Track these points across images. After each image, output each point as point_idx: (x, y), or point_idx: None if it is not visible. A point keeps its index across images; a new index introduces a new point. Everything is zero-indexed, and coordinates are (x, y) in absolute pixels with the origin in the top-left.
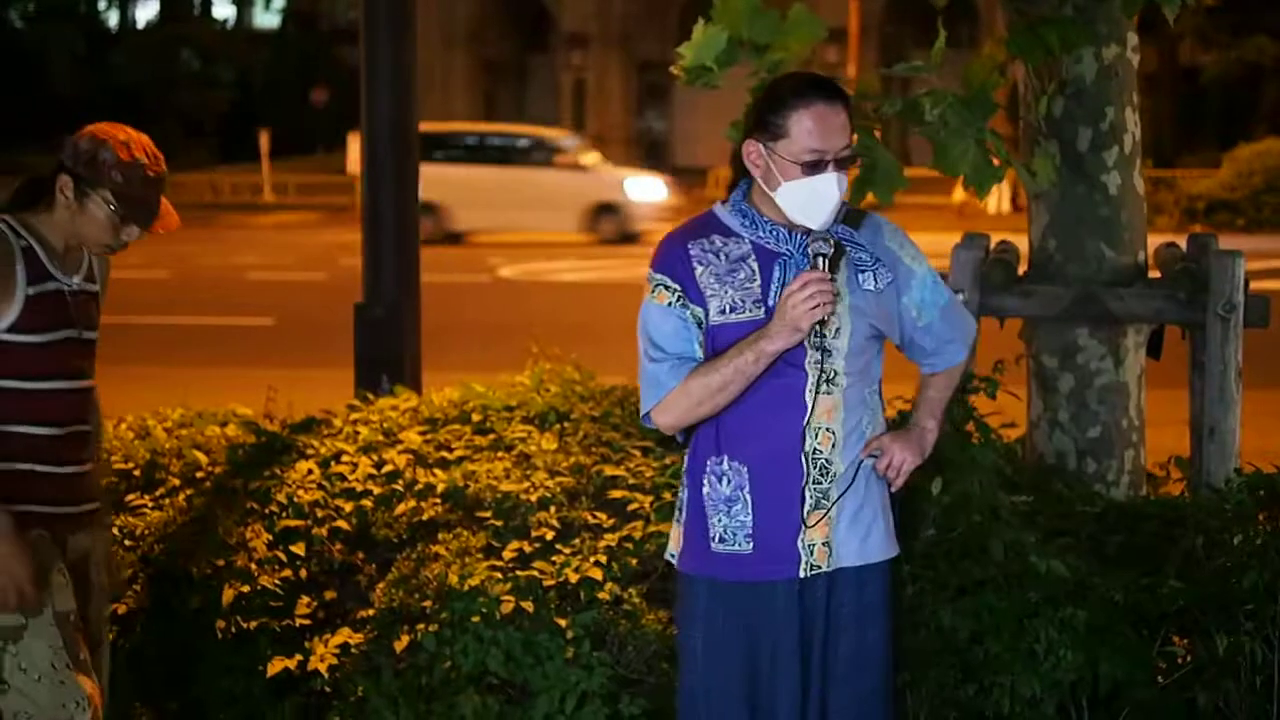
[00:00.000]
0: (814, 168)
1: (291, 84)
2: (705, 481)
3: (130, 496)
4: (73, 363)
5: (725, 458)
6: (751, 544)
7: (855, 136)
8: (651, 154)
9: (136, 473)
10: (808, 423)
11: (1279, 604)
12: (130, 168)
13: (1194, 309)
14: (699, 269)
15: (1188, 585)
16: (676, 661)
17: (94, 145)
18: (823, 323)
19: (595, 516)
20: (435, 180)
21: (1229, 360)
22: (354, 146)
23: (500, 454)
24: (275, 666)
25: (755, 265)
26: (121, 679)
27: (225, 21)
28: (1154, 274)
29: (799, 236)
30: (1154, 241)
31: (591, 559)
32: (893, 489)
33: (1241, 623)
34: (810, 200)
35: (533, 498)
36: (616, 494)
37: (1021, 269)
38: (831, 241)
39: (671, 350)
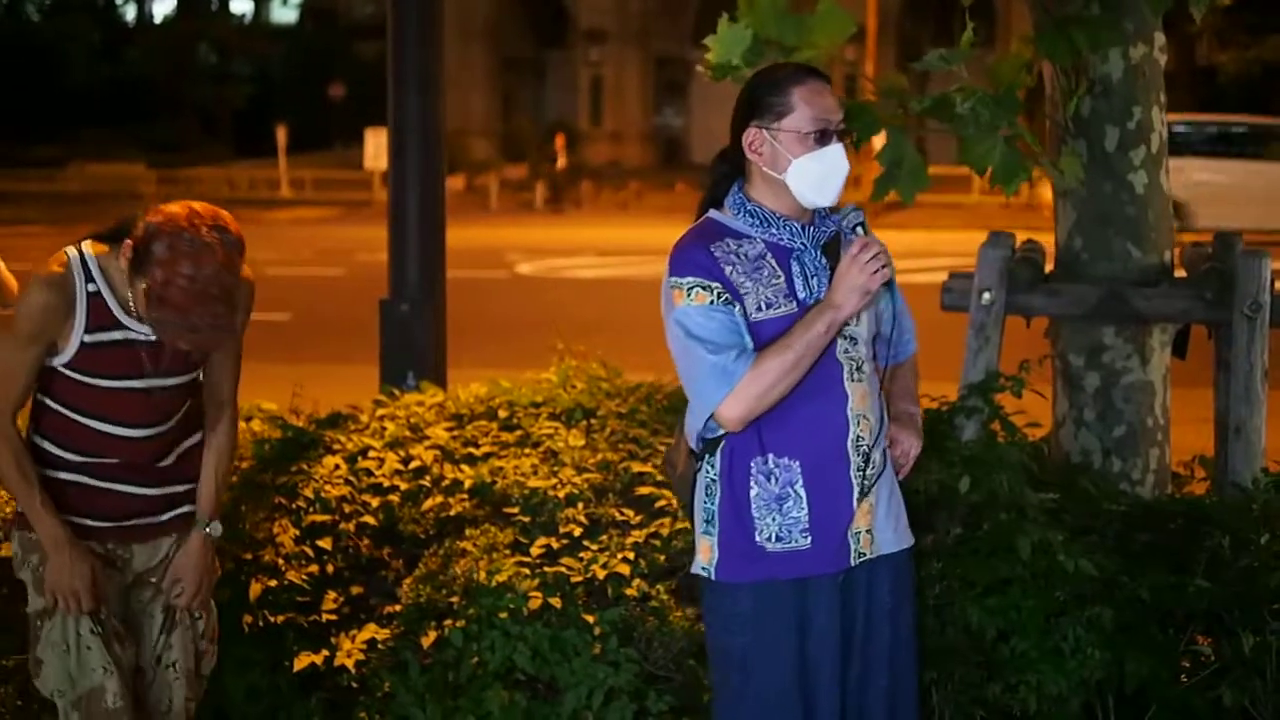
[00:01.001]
0: (823, 138)
1: (308, 79)
2: (752, 483)
3: None
4: (135, 410)
5: (771, 456)
6: (809, 539)
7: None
8: (669, 151)
9: None
10: (850, 411)
11: None
12: (172, 274)
13: (1220, 309)
14: (727, 269)
15: (1214, 584)
16: (708, 665)
17: (154, 232)
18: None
19: (623, 513)
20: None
21: (1255, 360)
22: (371, 142)
23: (527, 450)
24: (302, 662)
25: (774, 263)
26: None
27: (243, 17)
28: (1179, 273)
29: (810, 230)
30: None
31: (619, 555)
32: (900, 476)
33: (1268, 622)
34: (824, 173)
35: (560, 494)
36: (644, 490)
37: (1048, 267)
38: (862, 213)
39: (727, 343)
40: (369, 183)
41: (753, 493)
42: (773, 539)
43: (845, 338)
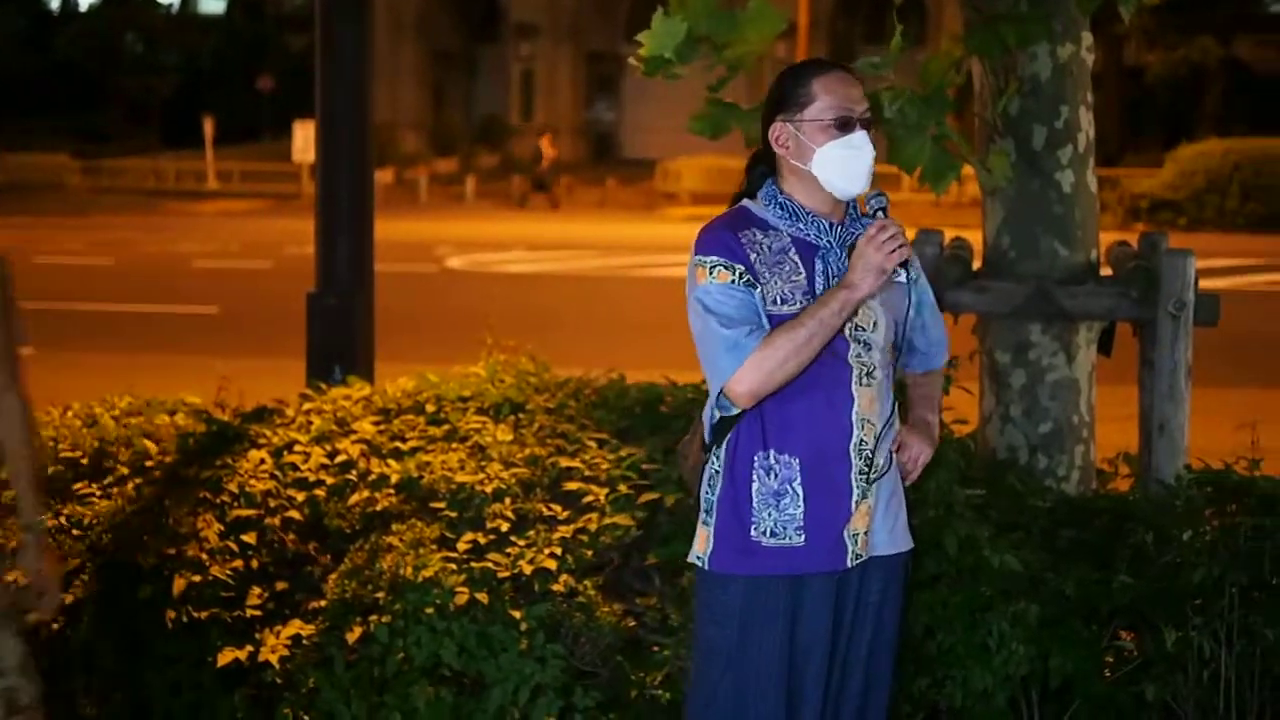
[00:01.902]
0: (845, 126)
1: (237, 70)
2: (753, 477)
3: (78, 485)
4: None
5: (772, 452)
6: (803, 536)
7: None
8: (600, 146)
9: (84, 461)
10: (855, 414)
11: (1227, 599)
12: None
13: (1145, 307)
14: (752, 255)
15: (1138, 580)
16: (632, 654)
17: None
18: (857, 316)
19: (550, 508)
20: None
21: (1179, 358)
22: (300, 134)
23: (455, 445)
24: (225, 657)
25: (797, 258)
26: (69, 669)
27: (170, 6)
28: (1106, 271)
29: (839, 230)
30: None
31: (546, 551)
32: (907, 481)
33: (1190, 617)
34: (847, 162)
35: (487, 489)
36: (572, 486)
37: (975, 265)
38: (886, 198)
39: (742, 319)
40: (297, 175)
41: (753, 487)
42: (768, 534)
43: (859, 343)
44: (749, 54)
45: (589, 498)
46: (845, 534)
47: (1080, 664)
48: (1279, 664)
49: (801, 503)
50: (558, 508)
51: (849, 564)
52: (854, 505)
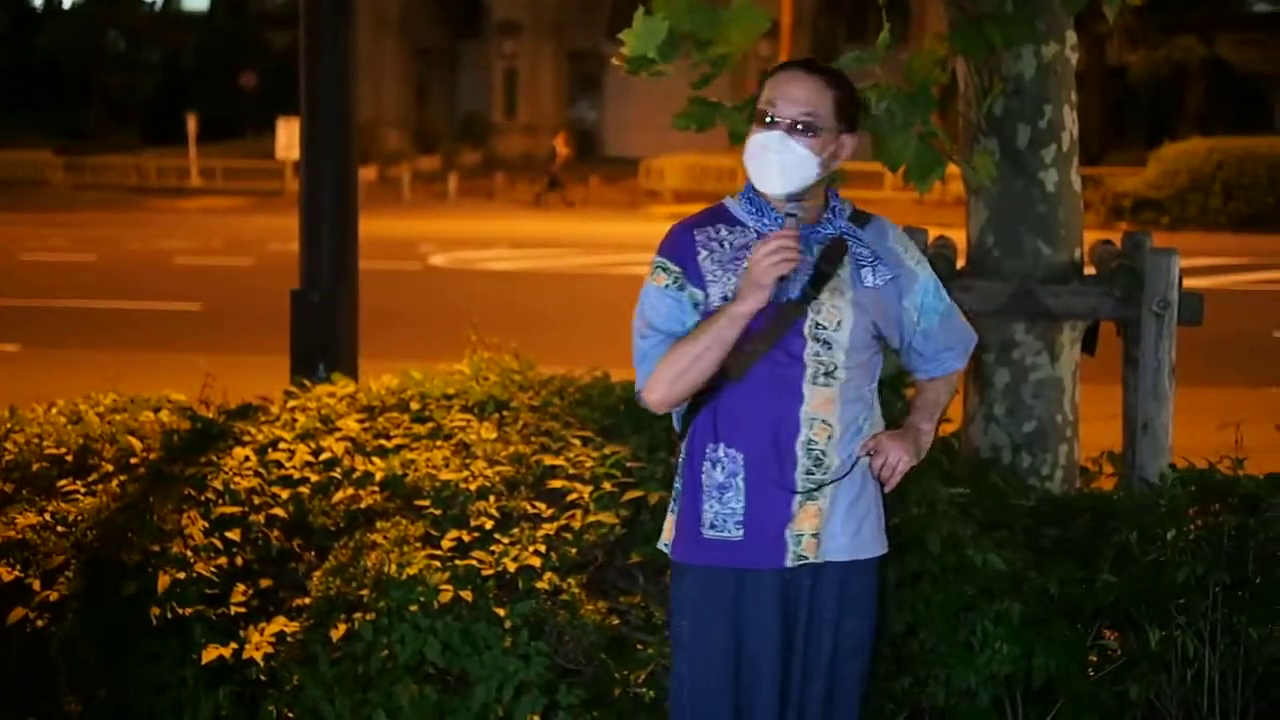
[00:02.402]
0: (759, 121)
1: (220, 67)
2: (704, 468)
3: (62, 482)
4: None
5: (721, 445)
6: (742, 531)
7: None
8: (583, 144)
9: (69, 458)
10: (804, 413)
11: (1210, 598)
12: None
13: (1129, 306)
14: (702, 254)
15: (1121, 579)
16: (616, 652)
17: None
18: (818, 314)
19: (534, 506)
20: None
21: (1163, 357)
22: (283, 131)
23: (439, 442)
24: (210, 654)
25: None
26: (52, 666)
27: (153, 3)
28: (1089, 270)
29: (808, 229)
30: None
31: (530, 548)
32: (887, 489)
33: (1174, 616)
34: (753, 158)
35: (472, 487)
36: (556, 484)
37: (959, 263)
38: (805, 206)
39: (662, 328)
40: (281, 172)
41: (703, 478)
42: (709, 526)
43: (819, 341)
44: (732, 52)
45: (573, 495)
46: (787, 533)
47: (1064, 663)
48: (1262, 663)
49: (742, 498)
50: (542, 505)
51: (788, 563)
52: (797, 505)
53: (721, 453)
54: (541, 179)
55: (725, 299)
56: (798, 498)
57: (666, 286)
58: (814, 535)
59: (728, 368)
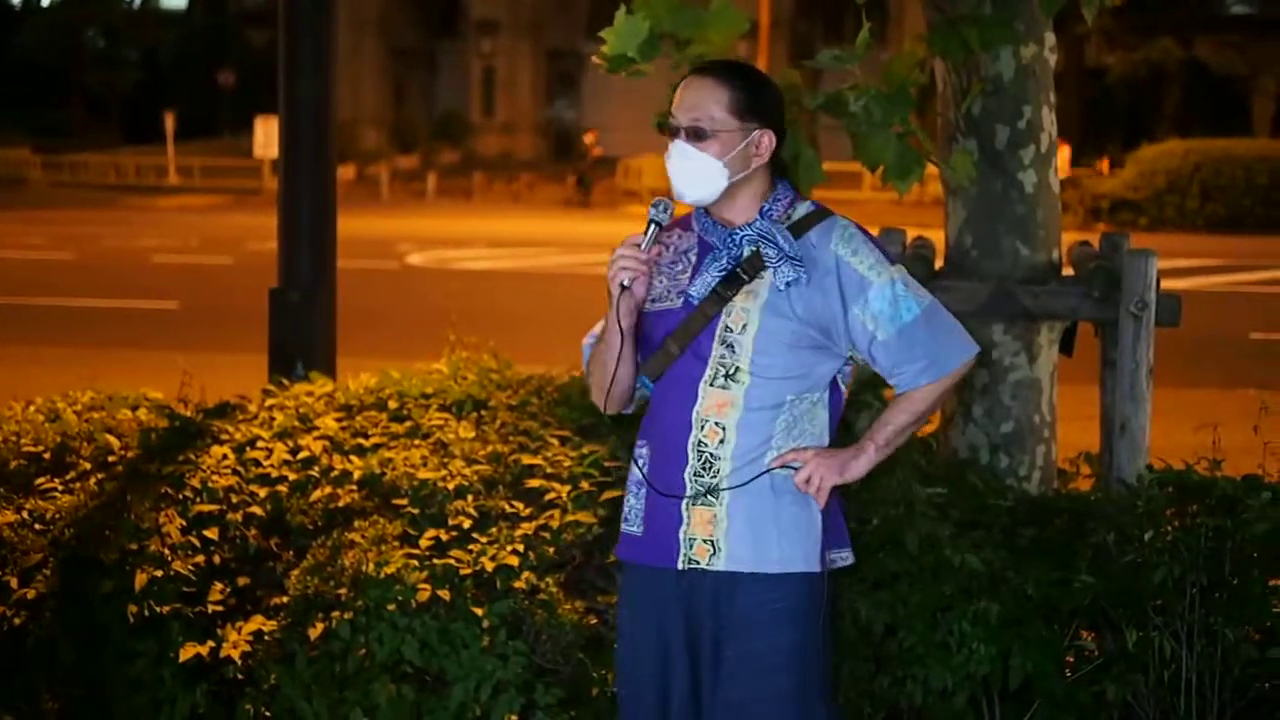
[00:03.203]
0: (670, 133)
1: (198, 66)
2: (632, 463)
3: (40, 480)
4: None
5: (641, 441)
6: (642, 527)
7: (727, 117)
8: (561, 143)
9: (46, 455)
10: (695, 413)
11: (1187, 599)
12: None
13: (1107, 307)
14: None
15: (1099, 580)
16: (593, 651)
17: None
18: (729, 316)
19: (512, 505)
20: None
21: (1140, 358)
22: (261, 130)
23: (417, 441)
24: (187, 653)
25: (693, 257)
26: (29, 664)
27: (131, 1)
28: (1068, 271)
29: (725, 231)
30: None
31: (508, 548)
32: (820, 504)
33: (1151, 617)
34: (669, 167)
35: (450, 486)
36: (534, 483)
37: (938, 264)
38: (666, 210)
39: (593, 338)
40: (259, 170)
41: (629, 473)
42: (624, 520)
43: (724, 344)
44: (711, 52)
45: (551, 495)
46: (680, 535)
47: (1041, 663)
48: (1239, 664)
49: (643, 493)
50: (520, 505)
51: (679, 566)
52: (685, 506)
53: (638, 448)
54: (571, 178)
55: (652, 301)
56: (685, 499)
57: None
58: (707, 541)
59: (646, 368)
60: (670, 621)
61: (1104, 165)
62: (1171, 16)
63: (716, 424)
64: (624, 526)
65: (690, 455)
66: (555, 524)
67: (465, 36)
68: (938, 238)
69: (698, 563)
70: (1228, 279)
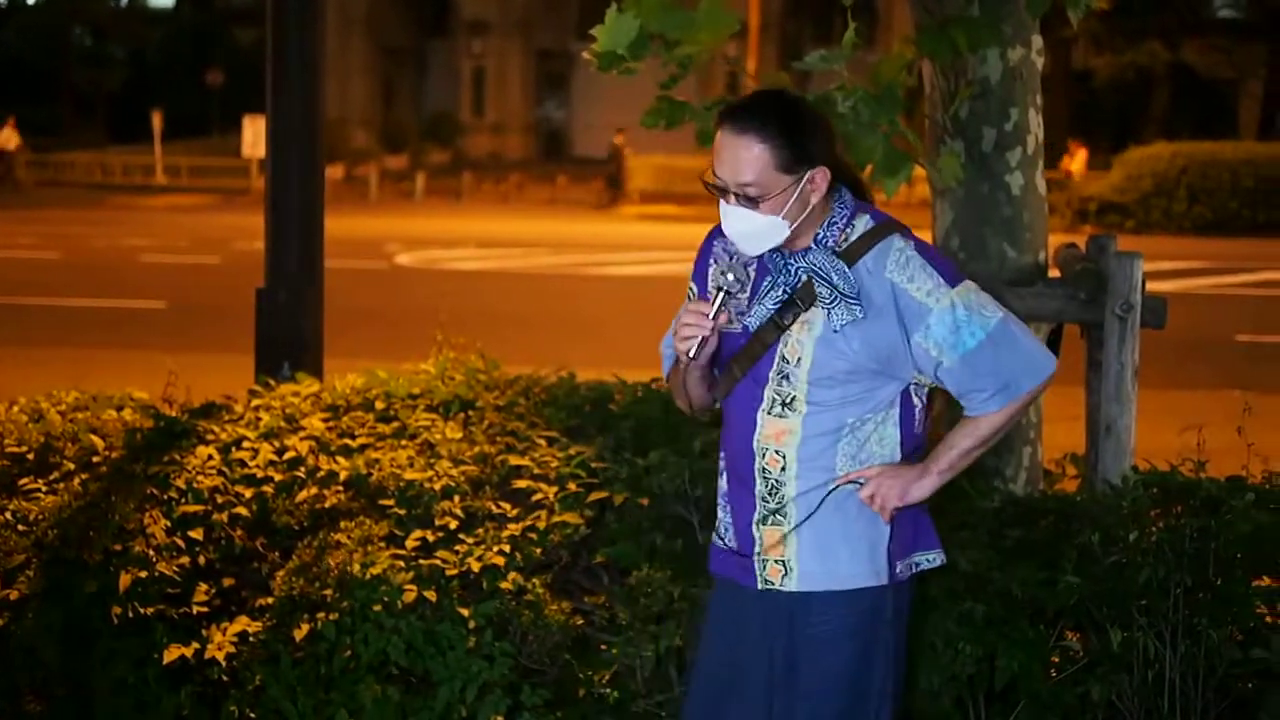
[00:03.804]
0: (719, 193)
1: (186, 64)
2: (719, 474)
3: (23, 480)
4: None
5: (721, 455)
6: (733, 541)
7: (778, 182)
8: (550, 143)
9: (30, 456)
10: (756, 441)
11: (1172, 600)
12: None
13: (1093, 309)
14: (711, 266)
15: (1084, 581)
16: (580, 652)
17: None
18: (785, 346)
19: (499, 506)
20: None
21: (1126, 359)
22: (250, 129)
23: (404, 442)
24: (172, 654)
25: (752, 273)
26: (13, 665)
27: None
28: (1053, 273)
29: (782, 258)
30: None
31: (495, 548)
32: (885, 520)
33: (1135, 618)
34: (726, 229)
35: (436, 486)
36: (521, 484)
37: None
38: (733, 276)
39: (669, 343)
40: (247, 170)
41: (718, 484)
42: (715, 533)
43: (780, 374)
44: (700, 53)
45: (538, 496)
46: (755, 556)
47: (1026, 664)
48: (1223, 664)
49: (729, 509)
50: (507, 505)
51: (759, 586)
52: (756, 525)
53: (722, 462)
54: (600, 179)
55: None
56: (756, 520)
57: (688, 299)
58: (779, 562)
59: (716, 390)
60: (754, 638)
61: (1073, 163)
62: (1159, 20)
63: (777, 452)
64: (715, 540)
65: (757, 480)
66: (542, 525)
67: (455, 36)
68: (925, 239)
69: (772, 584)
70: (1214, 281)
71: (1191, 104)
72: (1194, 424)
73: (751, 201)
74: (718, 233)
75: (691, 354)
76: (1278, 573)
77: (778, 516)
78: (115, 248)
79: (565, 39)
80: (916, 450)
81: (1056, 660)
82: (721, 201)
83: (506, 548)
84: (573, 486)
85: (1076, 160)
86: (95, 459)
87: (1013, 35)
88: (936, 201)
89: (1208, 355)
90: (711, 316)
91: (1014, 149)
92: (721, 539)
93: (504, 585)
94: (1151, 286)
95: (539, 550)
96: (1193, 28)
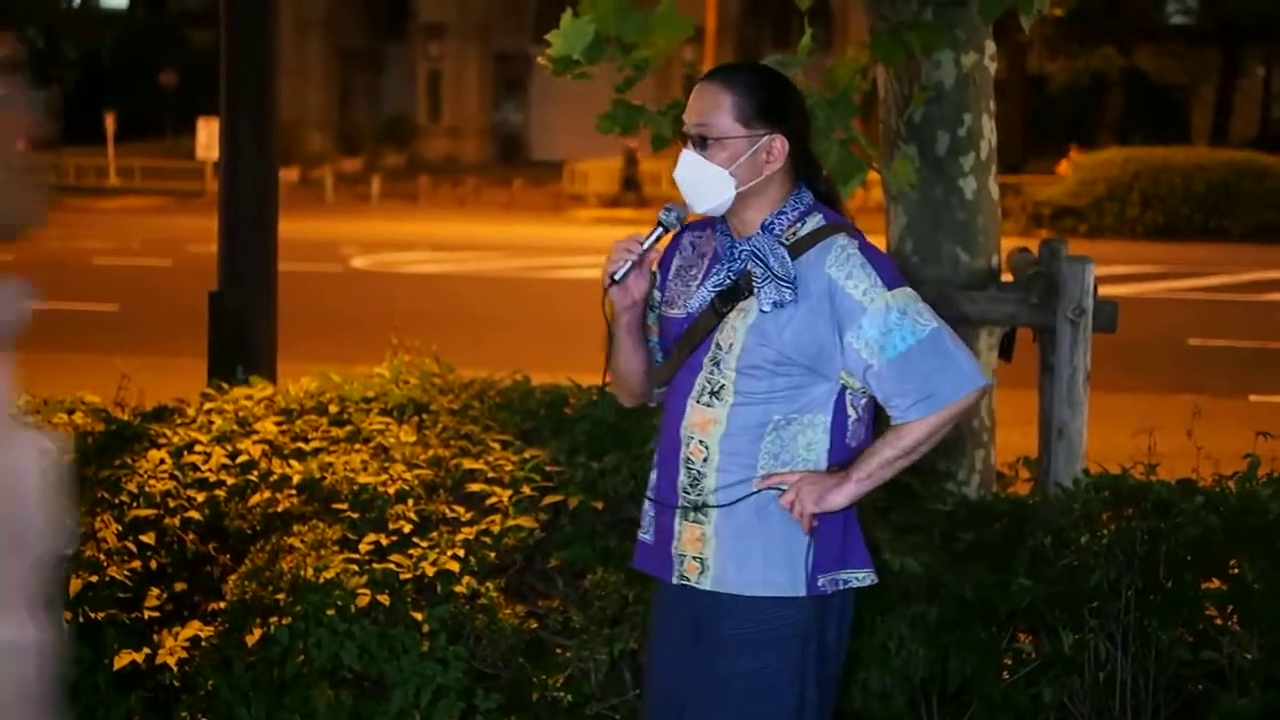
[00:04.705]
0: (681, 141)
1: (139, 65)
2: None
3: None
4: None
5: (655, 446)
6: (650, 535)
7: (728, 125)
8: (507, 147)
9: None
10: (683, 429)
11: (1123, 602)
12: None
13: (1045, 313)
14: (677, 259)
15: (1036, 583)
16: (534, 656)
17: None
18: (721, 332)
19: (453, 510)
20: None
21: (1078, 363)
22: (204, 131)
23: (358, 446)
24: (122, 660)
25: (706, 263)
26: None
27: (72, 0)
28: (1006, 277)
29: (730, 243)
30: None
31: (449, 552)
32: (805, 530)
33: (1087, 620)
34: (677, 176)
35: (390, 490)
36: (475, 487)
37: None
38: (675, 215)
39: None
40: (201, 172)
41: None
42: (640, 526)
43: (713, 361)
44: (656, 57)
45: (492, 499)
46: (673, 549)
47: (979, 666)
48: (1173, 666)
49: (652, 502)
50: (461, 509)
51: (673, 580)
52: (678, 521)
53: (655, 457)
54: (618, 183)
55: (668, 304)
56: (677, 513)
57: (654, 285)
58: (696, 559)
59: (657, 374)
60: (680, 635)
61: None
62: (1112, 26)
63: (700, 441)
64: (639, 533)
65: (680, 470)
66: (496, 529)
67: (412, 39)
68: (880, 243)
69: (688, 579)
70: (1166, 286)
71: (1145, 109)
72: (1145, 427)
73: (704, 145)
74: (692, 225)
75: (618, 276)
76: (1227, 575)
77: (698, 514)
78: (67, 249)
79: (523, 42)
80: (846, 464)
81: (1009, 662)
82: (685, 149)
83: (461, 551)
84: (527, 490)
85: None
86: None
87: (966, 40)
88: (890, 205)
89: (1159, 359)
90: (645, 247)
91: (968, 154)
92: (644, 533)
93: (458, 589)
94: (1104, 291)
95: (493, 554)
96: (1146, 34)
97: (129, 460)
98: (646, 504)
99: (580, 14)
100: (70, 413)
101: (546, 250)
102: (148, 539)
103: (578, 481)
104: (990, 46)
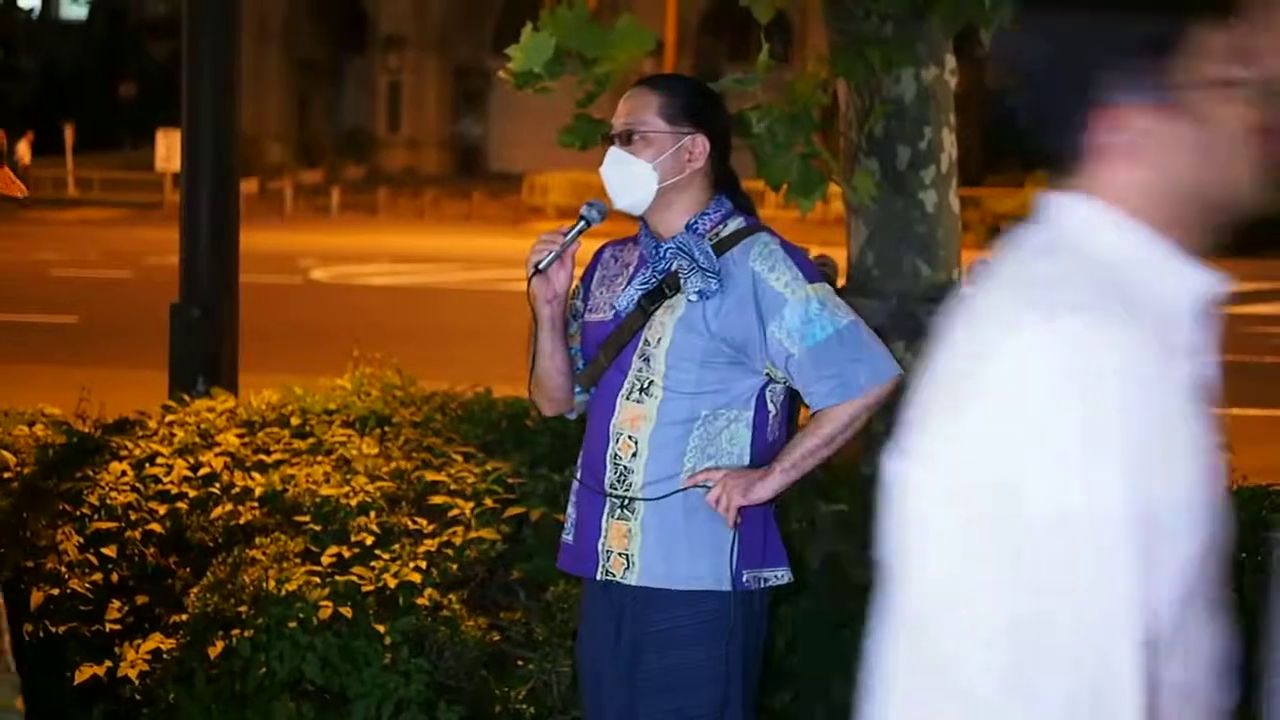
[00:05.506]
0: (607, 142)
1: (98, 77)
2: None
3: None
4: None
5: (581, 451)
6: (571, 535)
7: (652, 124)
8: (466, 159)
9: None
10: (612, 426)
11: None
12: None
13: None
14: (599, 271)
15: None
16: (496, 668)
17: None
18: (649, 329)
19: (415, 522)
20: None
21: None
22: (163, 143)
23: (320, 458)
24: (83, 673)
25: (632, 270)
26: None
27: (31, 11)
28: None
29: (654, 243)
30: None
31: (411, 564)
32: (729, 523)
33: None
34: (603, 173)
35: (352, 502)
36: (437, 500)
37: (840, 282)
38: (598, 209)
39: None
40: (160, 184)
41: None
42: (564, 528)
43: (641, 357)
44: (617, 70)
45: (454, 511)
46: (599, 545)
47: None
48: None
49: (575, 503)
50: (423, 521)
51: (597, 576)
52: (605, 518)
53: (579, 461)
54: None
55: (590, 311)
56: (605, 510)
57: (574, 297)
58: (622, 555)
59: (580, 378)
60: (602, 633)
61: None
62: None
63: (630, 437)
64: (562, 535)
65: (607, 467)
66: (458, 541)
67: (371, 51)
68: (840, 256)
69: (613, 575)
70: None
71: None
72: None
73: (629, 141)
74: (613, 241)
75: (541, 266)
76: None
77: (625, 511)
78: (26, 261)
79: (482, 55)
80: (766, 458)
81: None
82: (610, 149)
83: (423, 564)
84: (489, 502)
85: None
86: (7, 475)
87: (926, 55)
88: (851, 219)
89: None
90: (568, 239)
91: (928, 167)
92: (566, 534)
93: (420, 601)
94: None
95: (455, 566)
96: None
97: (90, 472)
98: (570, 506)
99: (541, 28)
100: (31, 424)
101: (506, 262)
102: (109, 551)
103: (540, 494)
104: (950, 61)
